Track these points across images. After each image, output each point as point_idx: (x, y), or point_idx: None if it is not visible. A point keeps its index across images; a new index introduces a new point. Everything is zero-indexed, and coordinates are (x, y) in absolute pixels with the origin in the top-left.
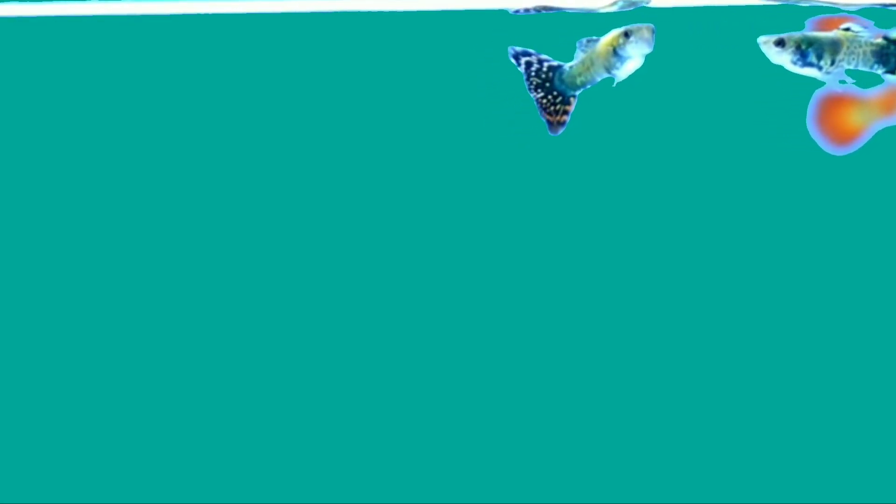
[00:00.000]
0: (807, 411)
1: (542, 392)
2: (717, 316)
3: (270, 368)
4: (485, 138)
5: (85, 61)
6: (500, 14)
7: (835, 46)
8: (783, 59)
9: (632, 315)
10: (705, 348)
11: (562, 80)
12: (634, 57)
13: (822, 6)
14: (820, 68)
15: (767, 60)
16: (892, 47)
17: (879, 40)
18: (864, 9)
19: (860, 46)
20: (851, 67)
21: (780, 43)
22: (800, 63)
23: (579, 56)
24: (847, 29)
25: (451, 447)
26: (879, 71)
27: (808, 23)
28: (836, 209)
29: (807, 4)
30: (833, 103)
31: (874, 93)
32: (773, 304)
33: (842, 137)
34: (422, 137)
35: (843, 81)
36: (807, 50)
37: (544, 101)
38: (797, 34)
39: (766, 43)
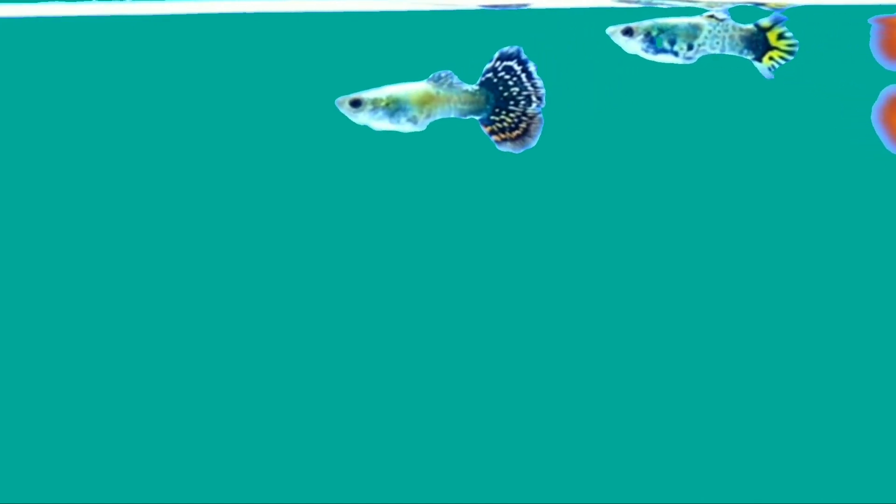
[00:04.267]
0: (825, 412)
1: (528, 396)
2: (715, 317)
3: (255, 366)
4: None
5: (85, 61)
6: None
7: (692, 32)
8: (633, 47)
9: (632, 314)
10: (718, 352)
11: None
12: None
13: (687, 7)
14: (676, 54)
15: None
16: (762, 35)
17: (749, 27)
18: (735, 8)
19: (726, 31)
20: (717, 52)
21: (628, 32)
22: (651, 50)
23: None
24: (711, 16)
25: (430, 450)
26: (749, 57)
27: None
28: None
29: (667, 6)
30: None
31: None
32: (776, 311)
33: None
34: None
35: (771, 69)
36: (657, 37)
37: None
38: (648, 22)
39: (614, 33)
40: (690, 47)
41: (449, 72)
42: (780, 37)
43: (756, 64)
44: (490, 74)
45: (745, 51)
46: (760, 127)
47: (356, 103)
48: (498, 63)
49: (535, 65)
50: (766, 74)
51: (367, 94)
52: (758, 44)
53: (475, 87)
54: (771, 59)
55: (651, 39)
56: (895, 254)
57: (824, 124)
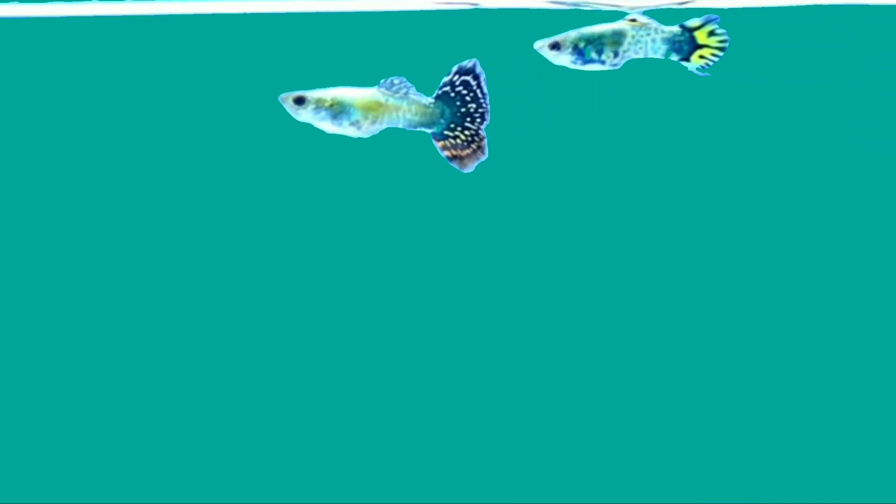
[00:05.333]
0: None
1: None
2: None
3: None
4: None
5: (85, 61)
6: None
7: (617, 38)
8: (563, 60)
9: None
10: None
11: None
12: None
13: (609, 10)
14: (603, 63)
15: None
16: (686, 35)
17: (673, 28)
18: (651, 10)
19: (649, 35)
20: (641, 56)
21: (556, 46)
22: (580, 62)
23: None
24: (633, 20)
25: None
26: (674, 58)
27: None
28: None
29: (589, 9)
30: None
31: None
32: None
33: None
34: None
35: (702, 69)
36: (585, 48)
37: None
38: (574, 33)
39: (542, 47)
40: (616, 54)
41: (403, 79)
42: (711, 34)
43: (685, 64)
44: (447, 88)
45: (670, 53)
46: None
47: (299, 101)
48: (455, 77)
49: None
50: (700, 74)
51: (311, 93)
52: (682, 44)
53: (430, 99)
54: (702, 57)
55: (579, 52)
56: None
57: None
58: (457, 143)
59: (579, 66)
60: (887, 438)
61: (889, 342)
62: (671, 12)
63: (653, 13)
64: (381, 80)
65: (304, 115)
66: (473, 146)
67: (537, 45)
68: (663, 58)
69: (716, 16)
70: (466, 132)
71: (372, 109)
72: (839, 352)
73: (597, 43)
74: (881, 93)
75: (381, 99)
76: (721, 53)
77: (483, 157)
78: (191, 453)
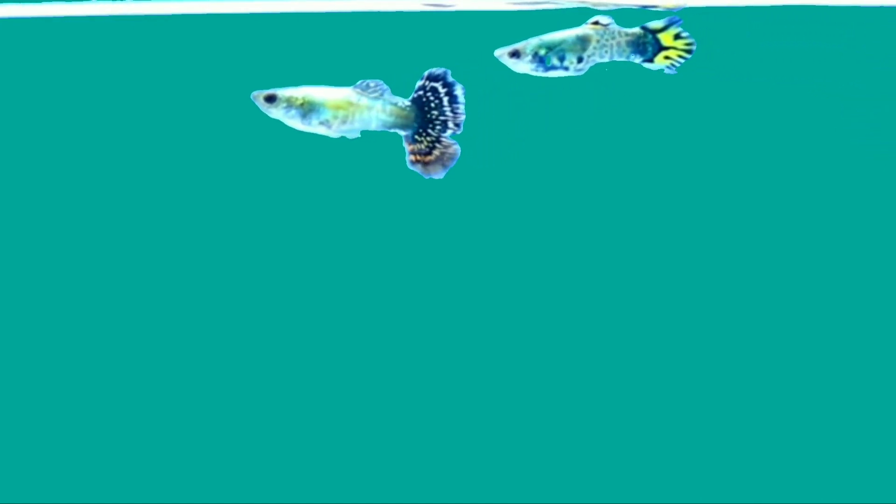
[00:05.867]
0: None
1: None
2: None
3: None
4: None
5: (85, 61)
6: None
7: (581, 44)
8: (523, 67)
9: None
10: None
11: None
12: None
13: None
14: (567, 69)
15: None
16: (650, 37)
17: (635, 30)
18: (620, 9)
19: (613, 38)
20: (606, 60)
21: (515, 54)
22: (541, 69)
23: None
24: (596, 23)
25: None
26: (637, 60)
27: None
28: None
29: (556, 7)
30: None
31: None
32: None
33: None
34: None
35: (668, 69)
36: (546, 55)
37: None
38: (534, 40)
39: (501, 55)
40: (580, 59)
41: (379, 82)
42: (677, 37)
43: (647, 65)
44: (421, 92)
45: (633, 55)
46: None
47: (270, 99)
48: (427, 82)
49: (464, 88)
50: (668, 71)
51: (282, 91)
52: (645, 46)
53: (406, 102)
54: (667, 58)
55: (540, 59)
56: (841, 250)
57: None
58: (421, 149)
59: (541, 73)
60: (887, 438)
61: (887, 342)
62: (637, 14)
63: (656, 13)
64: (358, 82)
65: (275, 112)
66: (436, 153)
67: (497, 52)
68: (626, 60)
69: (678, 17)
70: (428, 139)
71: (342, 109)
72: (834, 352)
73: (558, 49)
74: (876, 93)
75: (354, 99)
76: (688, 56)
77: (450, 165)
78: (172, 455)
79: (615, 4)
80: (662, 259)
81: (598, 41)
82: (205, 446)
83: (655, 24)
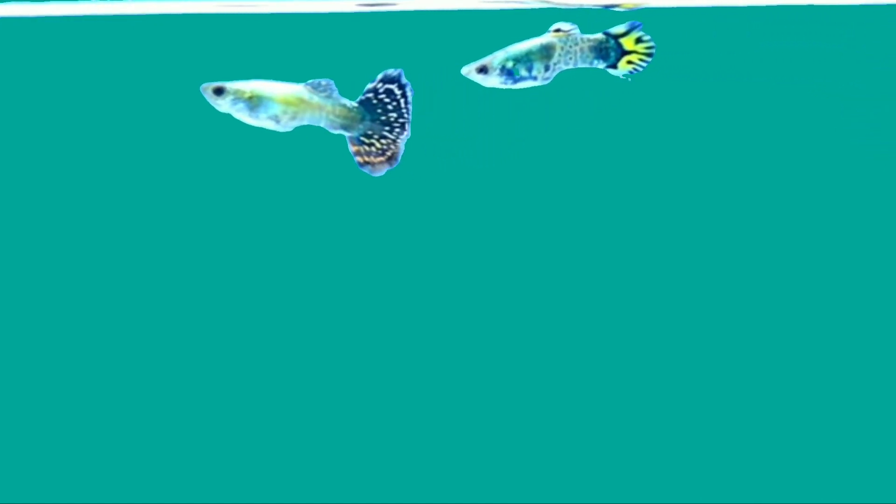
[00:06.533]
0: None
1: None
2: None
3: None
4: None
5: (85, 61)
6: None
7: (547, 52)
8: (492, 82)
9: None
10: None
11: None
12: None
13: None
14: (535, 78)
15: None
16: (612, 42)
17: (597, 36)
18: (580, 8)
19: (576, 45)
20: (570, 67)
21: (483, 69)
22: (510, 82)
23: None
24: (558, 30)
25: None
26: (600, 66)
27: None
28: None
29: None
30: None
31: None
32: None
33: None
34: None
35: (628, 74)
36: (514, 68)
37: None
38: (500, 53)
39: (469, 72)
40: (547, 68)
41: (330, 81)
42: (638, 41)
43: (611, 71)
44: (371, 94)
45: (596, 60)
46: (662, 128)
47: (219, 91)
48: (380, 84)
49: (413, 90)
50: (626, 78)
51: (231, 84)
52: (608, 51)
53: (353, 103)
54: (630, 62)
55: (508, 72)
56: (808, 251)
57: (724, 123)
58: (371, 151)
59: (510, 86)
60: (887, 438)
61: (886, 342)
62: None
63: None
64: (308, 81)
65: (223, 105)
66: (388, 154)
67: (464, 70)
68: (590, 66)
69: (639, 22)
70: (383, 140)
71: (293, 105)
72: (833, 352)
73: (525, 60)
74: (875, 93)
75: (305, 96)
76: (649, 59)
77: (394, 165)
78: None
79: (577, 4)
80: (662, 260)
81: (562, 48)
82: (179, 448)
83: (617, 29)
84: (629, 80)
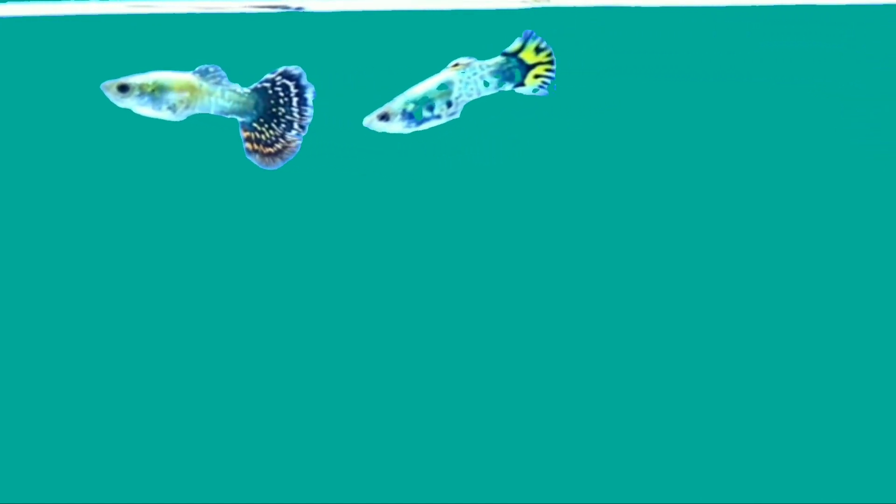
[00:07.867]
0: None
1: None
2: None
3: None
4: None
5: (85, 61)
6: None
7: (446, 89)
8: (396, 128)
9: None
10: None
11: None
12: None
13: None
14: (439, 117)
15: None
16: (513, 60)
17: (497, 59)
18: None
19: (476, 74)
20: (475, 97)
21: (384, 117)
22: (414, 124)
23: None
24: (456, 65)
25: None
26: (508, 88)
27: None
28: None
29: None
30: None
31: None
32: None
33: None
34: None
35: (539, 88)
36: (415, 110)
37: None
38: (399, 99)
39: (370, 122)
40: (449, 104)
41: (217, 67)
42: (538, 50)
43: (521, 90)
44: (268, 84)
45: (503, 83)
46: (662, 128)
47: (123, 88)
48: (278, 77)
49: (315, 92)
50: (542, 93)
51: (133, 79)
52: (511, 71)
53: (244, 89)
54: (537, 76)
55: (409, 115)
56: (808, 251)
57: (724, 123)
58: (261, 139)
59: (416, 128)
60: (887, 438)
61: (886, 342)
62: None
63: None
64: (197, 67)
65: (127, 101)
66: (278, 146)
67: (366, 121)
68: (496, 91)
69: (531, 31)
70: (271, 132)
71: (186, 92)
72: (832, 352)
73: (423, 101)
74: (875, 93)
75: (196, 83)
76: (553, 66)
77: (288, 159)
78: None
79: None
80: (664, 259)
81: (461, 81)
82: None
83: (513, 46)
84: (544, 93)
